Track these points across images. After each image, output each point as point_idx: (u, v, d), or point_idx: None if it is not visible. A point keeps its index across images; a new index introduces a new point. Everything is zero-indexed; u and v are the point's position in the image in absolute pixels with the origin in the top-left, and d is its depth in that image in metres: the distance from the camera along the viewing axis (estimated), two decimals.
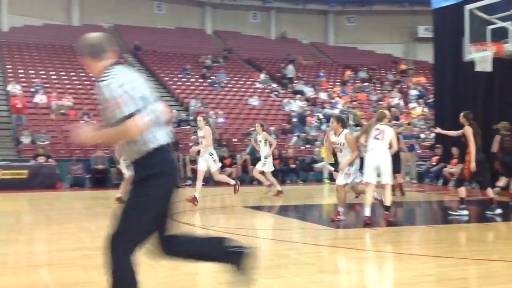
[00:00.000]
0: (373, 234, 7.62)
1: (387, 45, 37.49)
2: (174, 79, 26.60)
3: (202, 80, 26.94)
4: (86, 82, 23.16)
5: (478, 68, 10.40)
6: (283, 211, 11.01)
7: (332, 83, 29.35)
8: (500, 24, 10.51)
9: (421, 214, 11.46)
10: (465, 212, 9.21)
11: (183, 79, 26.71)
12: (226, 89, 26.36)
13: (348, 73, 31.10)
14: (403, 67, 33.10)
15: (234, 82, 27.56)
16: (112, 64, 3.40)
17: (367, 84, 29.79)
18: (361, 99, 27.04)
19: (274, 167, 13.68)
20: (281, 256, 6.19)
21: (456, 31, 14.65)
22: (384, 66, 33.80)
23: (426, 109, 25.53)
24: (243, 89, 26.62)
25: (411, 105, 26.99)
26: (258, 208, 11.04)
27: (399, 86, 29.89)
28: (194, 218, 9.46)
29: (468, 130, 9.11)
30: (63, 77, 23.98)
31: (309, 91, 27.32)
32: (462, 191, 9.41)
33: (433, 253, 6.36)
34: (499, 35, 10.62)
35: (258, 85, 27.33)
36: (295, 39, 37.59)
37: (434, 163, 17.25)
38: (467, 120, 9.23)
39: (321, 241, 7.26)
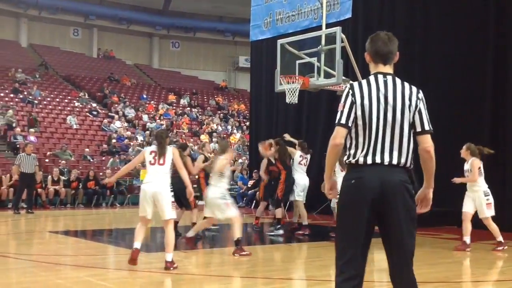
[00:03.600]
0: (181, 257, 7.60)
1: (210, 72, 38.53)
2: None
3: (13, 95, 24.97)
4: None
5: (287, 99, 11.07)
6: (94, 235, 10.53)
7: (155, 105, 29.21)
8: (308, 59, 11.34)
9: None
10: (281, 232, 9.81)
11: None
12: (40, 106, 24.73)
13: (173, 96, 31.26)
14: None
15: (49, 99, 26.00)
16: None
17: (190, 108, 30.22)
18: (184, 122, 27.30)
19: (87, 189, 13.11)
20: (82, 283, 5.87)
21: (271, 63, 15.56)
22: (207, 92, 34.62)
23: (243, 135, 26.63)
24: (59, 107, 25.22)
25: (232, 130, 27.94)
26: (66, 233, 10.43)
27: (220, 112, 30.80)
28: None
29: (275, 154, 9.85)
30: None
31: (131, 113, 26.84)
32: (279, 212, 10.01)
33: (236, 274, 6.54)
34: (308, 70, 11.44)
35: (77, 104, 26.12)
36: (119, 59, 36.85)
37: (249, 186, 17.95)
38: (276, 144, 10.00)
39: (126, 266, 7.03)
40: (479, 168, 8.38)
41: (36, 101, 24.74)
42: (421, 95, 3.32)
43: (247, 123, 27.60)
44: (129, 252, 7.00)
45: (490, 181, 11.47)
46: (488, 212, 8.38)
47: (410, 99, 3.26)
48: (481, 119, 11.86)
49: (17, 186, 14.72)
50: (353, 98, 3.27)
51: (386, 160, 3.19)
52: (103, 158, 20.61)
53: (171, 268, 6.48)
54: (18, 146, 19.49)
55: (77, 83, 29.93)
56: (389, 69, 3.40)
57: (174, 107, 29.62)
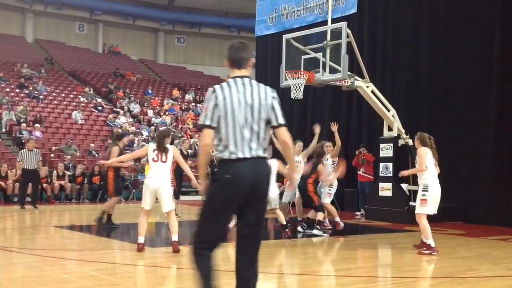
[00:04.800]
0: (185, 252, 7.60)
1: (215, 67, 38.52)
2: None
3: (18, 90, 25.04)
4: None
5: (293, 94, 11.05)
6: (99, 230, 10.55)
7: (160, 101, 29.24)
8: (313, 54, 11.31)
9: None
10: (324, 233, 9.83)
11: None
12: (46, 101, 24.78)
13: (177, 92, 31.26)
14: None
15: (55, 94, 26.05)
16: None
17: (195, 104, 30.22)
18: (189, 117, 27.32)
19: (92, 184, 13.13)
20: (87, 278, 5.88)
21: (276, 58, 15.55)
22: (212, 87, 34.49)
23: None
24: (64, 102, 25.27)
25: None
26: (71, 228, 10.46)
27: None
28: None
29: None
30: None
31: (136, 108, 26.87)
32: (320, 214, 9.93)
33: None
34: (313, 65, 11.42)
35: (82, 99, 26.17)
36: (124, 54, 36.88)
37: None
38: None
39: (131, 261, 7.06)
40: (433, 159, 7.59)
41: (41, 96, 24.80)
42: (275, 94, 3.72)
43: None
44: (134, 247, 7.05)
45: (494, 177, 11.53)
46: (419, 208, 7.51)
47: (265, 98, 3.65)
48: (486, 115, 11.81)
49: (21, 182, 14.75)
50: (216, 101, 3.62)
51: (253, 153, 3.58)
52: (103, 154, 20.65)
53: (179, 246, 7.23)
54: (23, 141, 19.55)
55: (83, 78, 29.97)
56: (245, 72, 3.77)
57: (179, 103, 29.63)
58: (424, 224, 7.50)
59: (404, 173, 8.31)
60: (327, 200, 10.17)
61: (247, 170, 3.55)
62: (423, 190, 7.51)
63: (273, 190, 9.73)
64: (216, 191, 3.61)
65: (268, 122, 3.66)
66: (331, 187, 10.24)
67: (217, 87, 3.69)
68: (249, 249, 3.70)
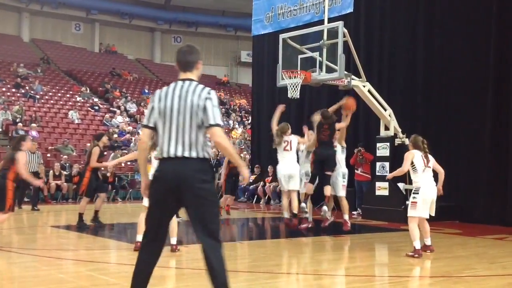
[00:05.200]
0: (182, 251, 7.60)
1: (212, 66, 38.49)
2: None
3: (14, 90, 24.97)
4: None
5: (289, 94, 11.04)
6: (95, 230, 10.54)
7: None
8: (310, 54, 11.31)
9: (232, 231, 11.77)
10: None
11: None
12: (42, 101, 24.73)
13: None
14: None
15: (51, 94, 26.00)
16: None
17: None
18: None
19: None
20: (84, 278, 5.88)
21: (273, 57, 15.55)
22: (209, 87, 34.43)
23: (245, 130, 26.62)
24: (61, 102, 25.22)
25: (233, 125, 27.93)
26: (68, 227, 10.45)
27: (222, 107, 30.79)
28: None
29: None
30: None
31: (132, 108, 26.83)
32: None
33: (239, 268, 6.55)
34: (309, 64, 11.42)
35: (79, 99, 26.12)
36: (121, 54, 36.83)
37: (251, 181, 17.93)
38: None
39: (128, 261, 7.04)
40: (423, 161, 7.39)
41: (38, 96, 24.75)
42: (210, 95, 3.80)
43: (249, 118, 27.63)
44: (131, 247, 7.03)
45: (490, 177, 11.56)
46: (409, 211, 7.37)
47: (198, 100, 3.77)
48: (483, 115, 11.83)
49: (20, 184, 14.44)
50: (153, 103, 3.87)
51: (180, 153, 3.73)
52: (105, 153, 20.57)
53: (176, 251, 7.27)
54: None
55: (79, 78, 29.92)
56: (190, 75, 3.94)
57: None
58: (412, 227, 7.30)
59: (389, 176, 8.41)
60: (342, 193, 9.45)
61: (168, 169, 3.76)
62: (413, 193, 7.40)
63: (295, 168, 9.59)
64: (150, 187, 3.90)
65: (202, 122, 3.75)
66: (345, 178, 9.50)
67: (158, 90, 3.95)
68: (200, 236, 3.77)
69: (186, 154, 3.73)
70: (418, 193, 7.31)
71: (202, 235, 3.73)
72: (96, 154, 10.19)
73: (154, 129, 3.86)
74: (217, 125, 3.73)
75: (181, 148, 3.73)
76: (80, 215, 10.29)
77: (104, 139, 10.95)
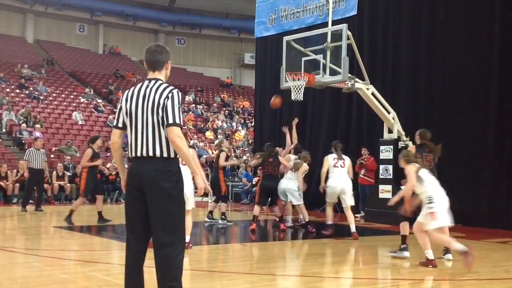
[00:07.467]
0: (187, 253, 7.59)
1: (215, 68, 38.53)
2: None
3: (19, 91, 25.04)
4: None
5: (293, 96, 11.05)
6: (98, 231, 10.56)
7: None
8: (313, 56, 11.31)
9: (234, 232, 11.78)
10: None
11: None
12: (46, 102, 24.79)
13: None
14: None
15: (55, 95, 26.06)
16: None
17: (195, 105, 30.23)
18: (190, 118, 27.34)
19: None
20: (87, 278, 5.89)
21: (275, 60, 15.56)
22: (212, 89, 34.62)
23: (248, 132, 26.63)
24: (65, 103, 25.28)
25: (236, 127, 27.94)
26: (71, 228, 10.46)
27: (225, 109, 30.80)
28: None
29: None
30: None
31: None
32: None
33: (241, 270, 6.55)
34: (313, 67, 11.42)
35: (82, 100, 26.17)
36: (125, 55, 36.90)
37: (254, 183, 17.94)
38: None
39: None
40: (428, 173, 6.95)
41: (42, 97, 24.81)
42: (170, 94, 3.78)
43: (252, 120, 27.65)
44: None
45: (494, 180, 11.53)
46: (431, 224, 6.63)
47: (159, 98, 3.76)
48: (486, 117, 11.81)
49: (26, 182, 14.34)
50: (121, 104, 3.92)
51: (145, 153, 3.77)
52: (108, 154, 20.62)
53: (188, 248, 7.33)
54: (23, 141, 19.55)
55: (83, 79, 29.99)
56: (157, 74, 3.95)
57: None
58: (437, 237, 6.71)
59: (392, 202, 7.39)
60: (299, 202, 10.58)
61: (134, 169, 3.84)
62: (428, 203, 6.68)
63: (292, 185, 10.31)
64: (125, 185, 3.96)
65: (162, 121, 3.76)
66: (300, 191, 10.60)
67: (126, 91, 3.98)
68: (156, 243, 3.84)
69: (150, 154, 3.77)
70: (433, 202, 6.67)
71: (158, 234, 3.78)
72: (88, 155, 10.69)
73: (124, 129, 3.92)
74: (176, 124, 3.73)
75: (145, 147, 3.78)
76: (71, 212, 10.74)
77: (99, 142, 11.33)
